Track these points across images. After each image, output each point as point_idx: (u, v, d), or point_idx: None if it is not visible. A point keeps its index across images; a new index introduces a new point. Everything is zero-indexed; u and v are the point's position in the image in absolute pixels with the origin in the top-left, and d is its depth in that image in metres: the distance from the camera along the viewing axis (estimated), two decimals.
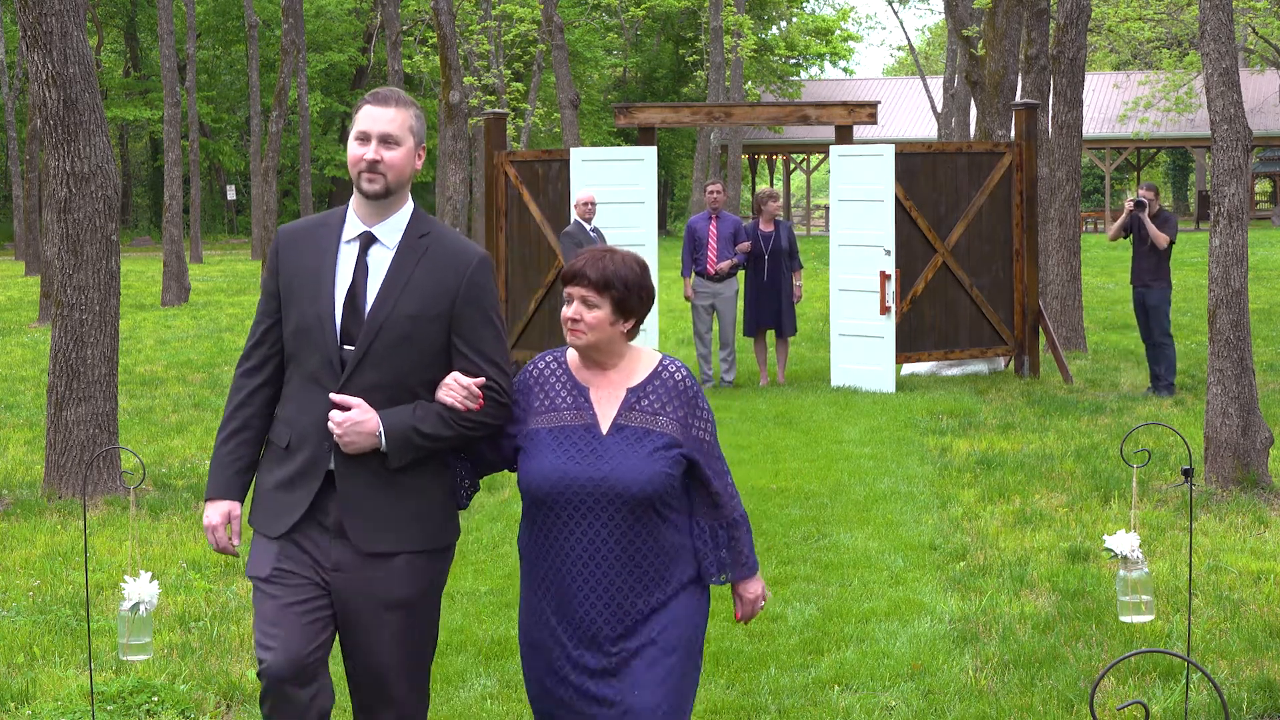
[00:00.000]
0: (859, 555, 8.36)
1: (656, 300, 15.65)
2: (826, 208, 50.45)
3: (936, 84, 52.97)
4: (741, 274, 15.68)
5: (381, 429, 3.97)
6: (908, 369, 16.26)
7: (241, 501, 4.17)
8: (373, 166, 4.03)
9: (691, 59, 52.48)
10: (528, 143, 42.52)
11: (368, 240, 4.09)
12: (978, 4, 21.69)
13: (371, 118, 4.06)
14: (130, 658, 4.55)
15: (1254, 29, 35.25)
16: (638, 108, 16.84)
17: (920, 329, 15.54)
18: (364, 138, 4.06)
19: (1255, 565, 8.01)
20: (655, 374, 4.02)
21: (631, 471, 3.88)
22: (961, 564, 8.18)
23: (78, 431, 9.97)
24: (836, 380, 15.36)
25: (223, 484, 4.17)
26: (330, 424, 3.99)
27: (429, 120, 55.85)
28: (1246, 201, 9.91)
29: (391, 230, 4.10)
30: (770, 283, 15.44)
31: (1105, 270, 31.32)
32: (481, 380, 4.02)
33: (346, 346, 4.02)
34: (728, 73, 44.43)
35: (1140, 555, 4.99)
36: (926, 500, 9.82)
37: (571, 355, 4.06)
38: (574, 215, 14.56)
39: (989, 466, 10.83)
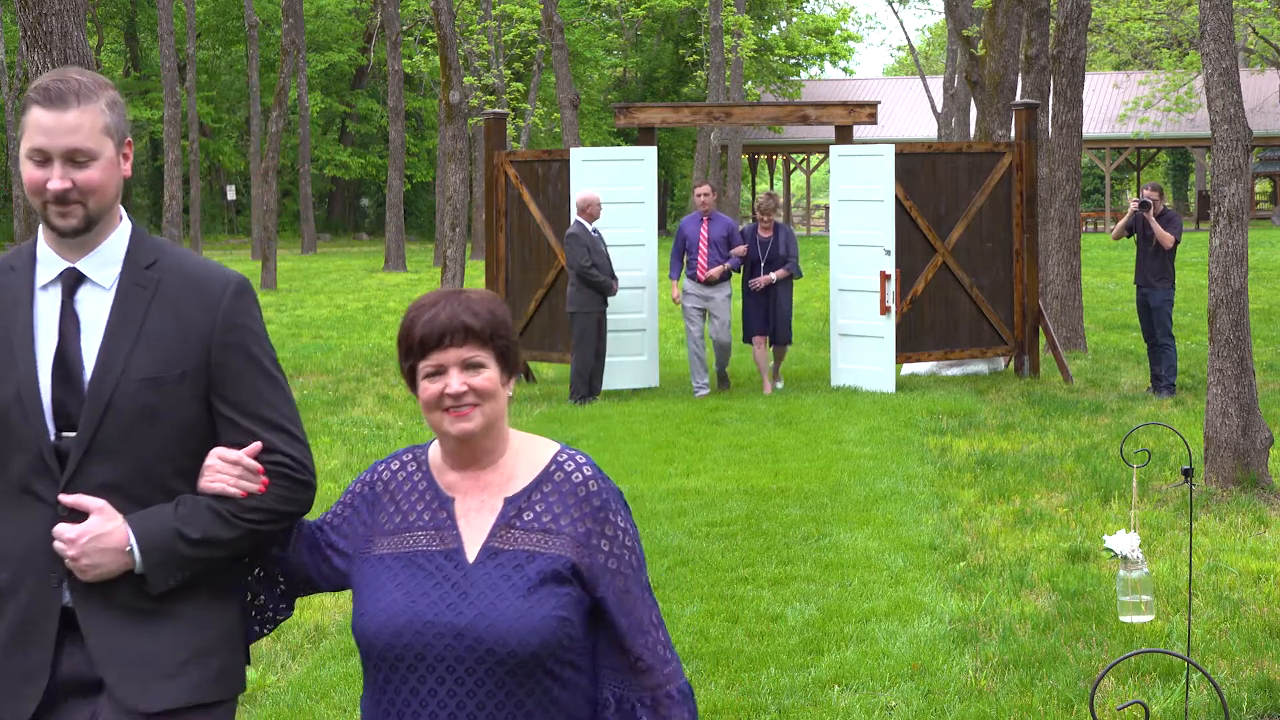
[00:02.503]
0: (859, 555, 8.36)
1: (657, 300, 15.80)
2: (826, 208, 50.46)
3: (936, 84, 53.00)
4: (738, 277, 15.49)
5: (133, 540, 2.83)
6: (908, 369, 16.26)
7: None
8: (63, 198, 2.85)
9: (691, 59, 52.51)
10: (528, 143, 42.53)
11: (73, 280, 2.91)
12: (978, 4, 21.69)
13: (46, 130, 2.84)
14: None
15: (1254, 29, 35.26)
16: (638, 108, 16.83)
17: (920, 329, 15.54)
18: (41, 158, 2.86)
19: (1255, 565, 8.02)
20: (546, 474, 2.85)
21: (507, 618, 2.70)
22: (961, 564, 8.18)
23: None
24: (836, 380, 15.35)
25: None
26: (58, 543, 2.81)
27: (428, 120, 56.07)
28: (1246, 201, 9.92)
29: (104, 263, 2.92)
30: (764, 289, 15.07)
31: (1105, 270, 31.33)
32: (256, 447, 2.92)
33: (66, 433, 2.85)
34: (728, 73, 44.45)
35: (1140, 555, 4.99)
36: (926, 500, 9.82)
37: (434, 454, 2.91)
38: (575, 216, 14.51)
39: (989, 466, 10.84)
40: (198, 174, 42.32)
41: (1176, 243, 13.97)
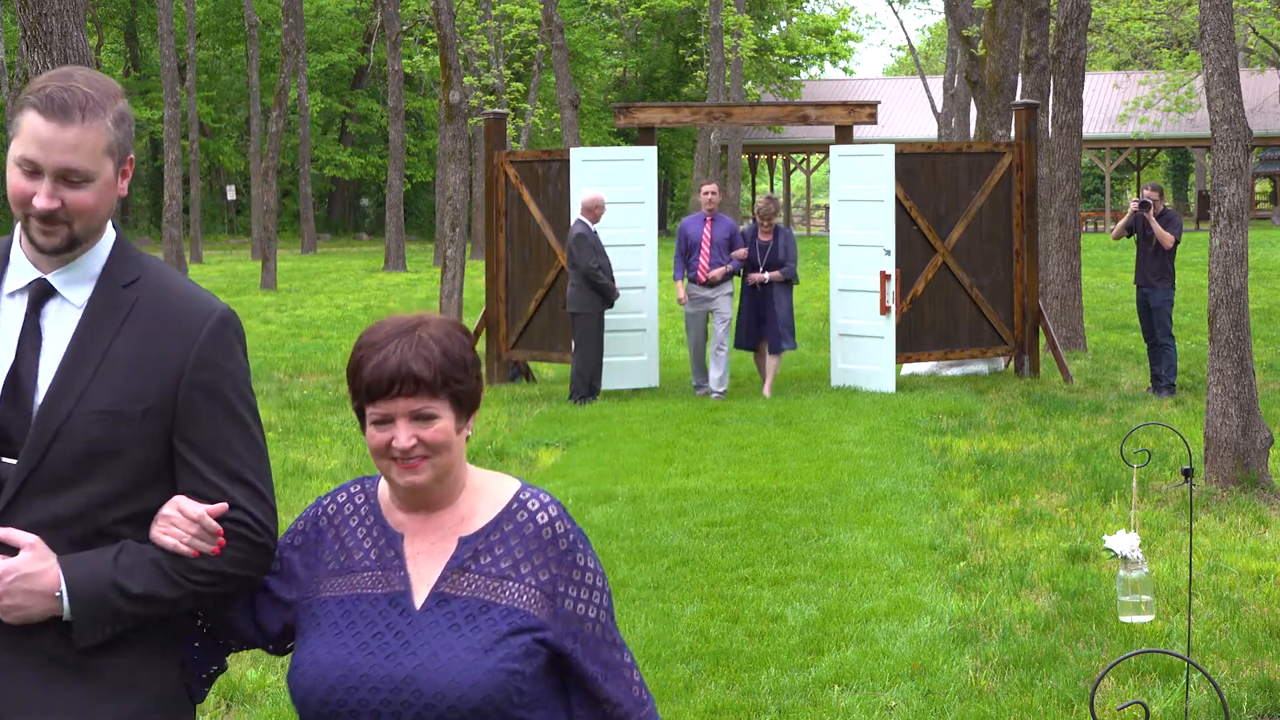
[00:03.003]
0: (859, 555, 8.36)
1: (656, 300, 15.78)
2: (826, 208, 50.47)
3: (936, 84, 53.01)
4: (739, 280, 15.36)
5: (63, 585, 2.52)
6: (908, 369, 16.26)
7: None
8: (49, 217, 2.55)
9: (691, 59, 52.53)
10: (528, 143, 42.54)
11: (41, 292, 2.61)
12: (978, 4, 21.70)
13: (44, 142, 2.52)
14: None
15: (1254, 29, 35.28)
16: (638, 108, 16.84)
17: (920, 329, 15.54)
18: (31, 168, 2.54)
19: (1255, 565, 8.02)
20: (507, 514, 2.61)
21: (450, 671, 2.47)
22: (961, 564, 8.18)
23: None
24: (836, 380, 15.34)
25: None
26: None
27: (428, 120, 56.09)
28: (1246, 201, 9.92)
29: (78, 278, 2.62)
30: (764, 294, 14.91)
31: (1105, 270, 31.34)
32: (222, 507, 2.61)
33: (6, 460, 2.56)
34: (728, 73, 44.47)
35: (1140, 555, 4.99)
36: (926, 500, 9.82)
37: (383, 489, 2.68)
38: (578, 216, 14.45)
39: (989, 466, 10.83)
40: (198, 174, 42.33)
41: (1176, 243, 13.98)
